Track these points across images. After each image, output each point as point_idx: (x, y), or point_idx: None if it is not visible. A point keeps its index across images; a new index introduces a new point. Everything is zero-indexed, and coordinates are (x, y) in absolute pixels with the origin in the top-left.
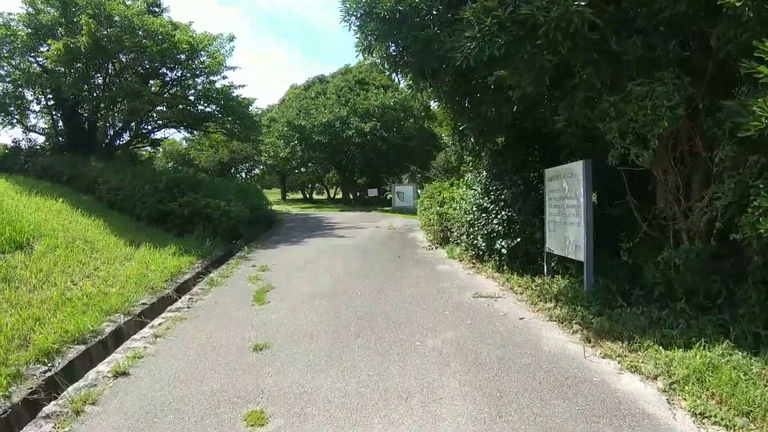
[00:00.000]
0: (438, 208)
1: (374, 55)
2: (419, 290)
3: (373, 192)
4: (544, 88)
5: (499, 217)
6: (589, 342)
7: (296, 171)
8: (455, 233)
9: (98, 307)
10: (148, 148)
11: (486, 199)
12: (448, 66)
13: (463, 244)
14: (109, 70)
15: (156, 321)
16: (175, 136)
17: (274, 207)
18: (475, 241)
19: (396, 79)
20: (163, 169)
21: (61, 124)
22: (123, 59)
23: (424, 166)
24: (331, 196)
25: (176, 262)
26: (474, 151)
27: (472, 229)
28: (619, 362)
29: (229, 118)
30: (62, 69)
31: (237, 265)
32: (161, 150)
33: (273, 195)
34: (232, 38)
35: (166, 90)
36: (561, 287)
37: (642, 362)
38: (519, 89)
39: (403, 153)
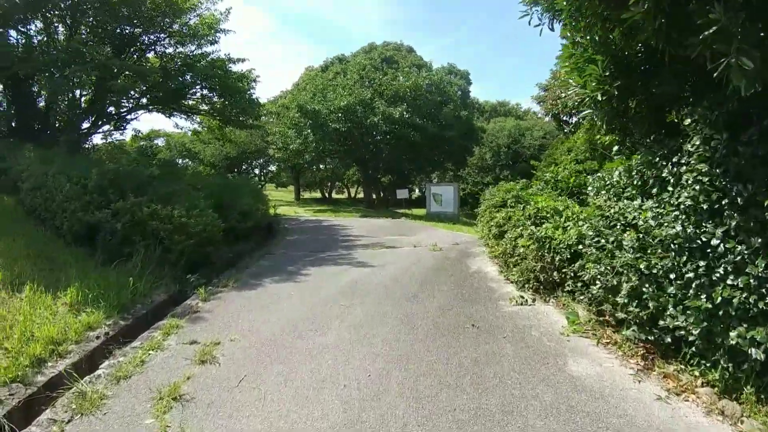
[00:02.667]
0: (532, 228)
1: None
2: None
3: (403, 193)
4: None
5: (750, 270)
6: None
7: (311, 167)
8: (583, 277)
9: None
10: (121, 137)
11: (707, 224)
12: None
13: (625, 317)
14: (59, 30)
15: None
16: (161, 123)
17: (284, 209)
18: (662, 318)
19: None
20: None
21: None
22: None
23: (460, 162)
24: (352, 195)
25: (59, 328)
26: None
27: (651, 288)
28: None
29: (218, 96)
30: None
31: (165, 339)
32: (161, 141)
33: (287, 194)
34: None
35: (133, 56)
36: None
37: None
38: None
39: (439, 145)
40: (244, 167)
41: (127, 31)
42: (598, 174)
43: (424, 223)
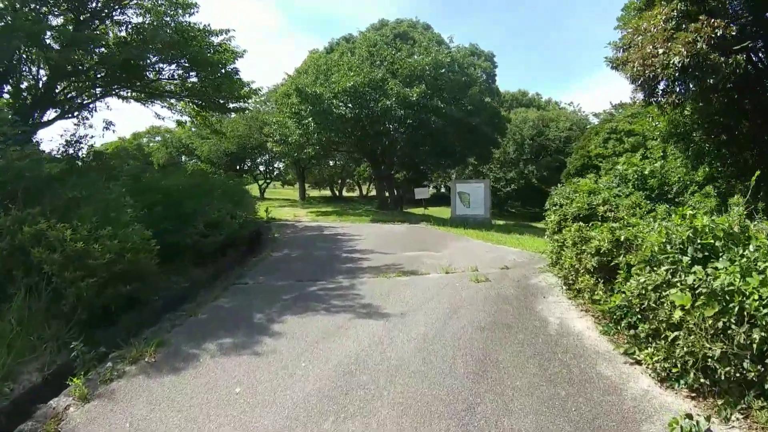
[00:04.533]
0: (699, 272)
1: None
2: None
3: (422, 192)
4: None
5: None
6: None
7: (314, 161)
8: None
9: None
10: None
11: None
12: None
13: None
14: None
15: None
16: (144, 116)
17: (285, 211)
18: None
19: None
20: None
21: None
22: None
23: (485, 155)
24: (364, 193)
25: None
26: None
27: None
28: None
29: (187, 72)
30: None
31: None
32: (160, 138)
33: (294, 193)
34: None
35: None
36: None
37: None
38: None
39: (464, 135)
40: (247, 164)
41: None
42: None
43: (450, 231)
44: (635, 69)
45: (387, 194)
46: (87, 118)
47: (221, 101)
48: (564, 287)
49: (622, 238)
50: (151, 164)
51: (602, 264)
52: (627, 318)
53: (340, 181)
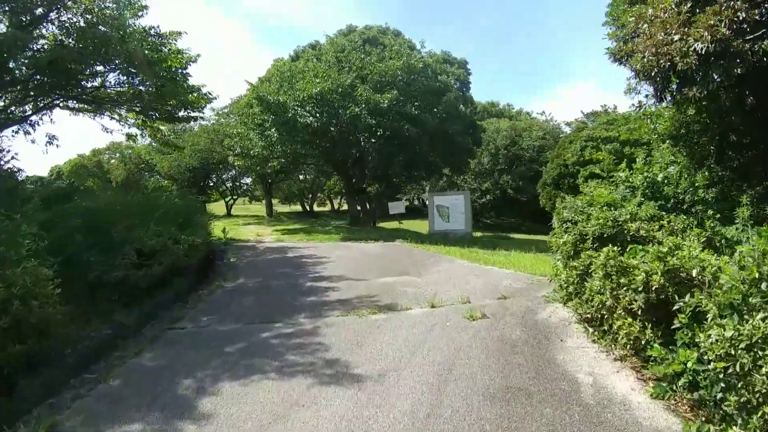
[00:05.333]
0: None
1: None
2: None
3: (397, 207)
4: None
5: None
6: None
7: (281, 176)
8: None
9: None
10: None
11: None
12: None
13: None
14: None
15: None
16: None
17: (249, 230)
18: None
19: None
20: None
21: None
22: None
23: (460, 167)
24: (336, 207)
25: None
26: None
27: None
28: None
29: (125, 75)
30: None
31: None
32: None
33: (263, 209)
34: None
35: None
36: None
37: None
38: None
39: (439, 144)
40: (212, 180)
41: None
42: None
43: (429, 249)
44: (645, 60)
45: (359, 208)
46: (28, 133)
47: (167, 108)
48: (584, 324)
49: (681, 269)
50: (109, 182)
51: (651, 303)
52: (686, 376)
53: (311, 196)
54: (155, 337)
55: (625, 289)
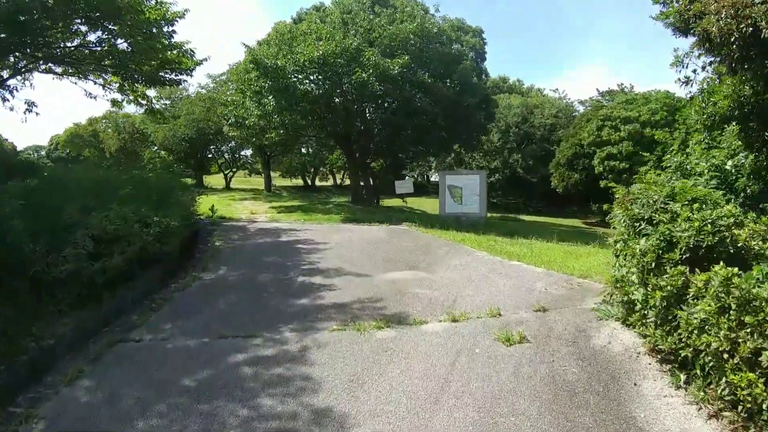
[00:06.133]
0: None
1: None
2: None
3: (404, 186)
4: None
5: None
6: None
7: (283, 150)
8: None
9: None
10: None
11: None
12: None
13: None
14: None
15: None
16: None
17: (243, 207)
18: None
19: None
20: None
21: None
22: None
23: (470, 143)
24: (339, 182)
25: None
26: None
27: None
28: None
29: (100, 30)
30: None
31: None
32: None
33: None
34: None
35: None
36: None
37: None
38: None
39: (454, 117)
40: (210, 152)
41: None
42: None
43: (441, 236)
44: (722, 23)
45: (362, 184)
46: (6, 100)
47: (147, 69)
48: (665, 363)
49: None
50: (103, 153)
51: None
52: None
53: (312, 170)
54: (99, 355)
55: (749, 331)
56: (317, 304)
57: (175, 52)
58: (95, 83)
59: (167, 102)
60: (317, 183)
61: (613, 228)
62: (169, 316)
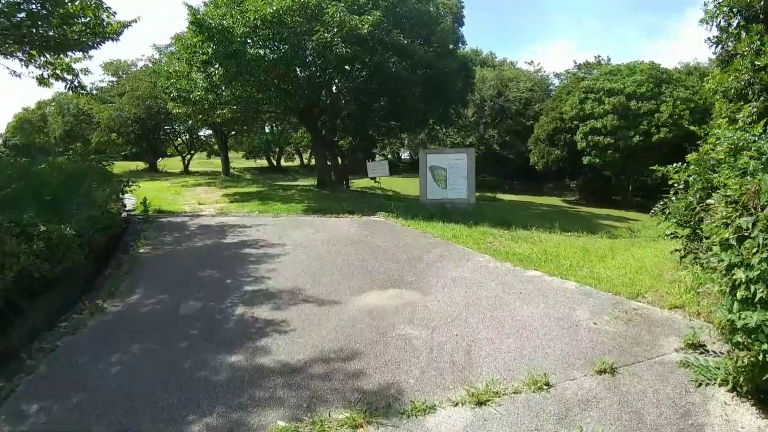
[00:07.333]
0: None
1: None
2: None
3: (377, 168)
4: None
5: None
6: None
7: (237, 127)
8: None
9: None
10: None
11: None
12: None
13: None
14: None
15: None
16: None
17: (192, 195)
18: None
19: None
20: None
21: None
22: None
23: (447, 117)
24: (305, 162)
25: None
26: None
27: None
28: None
29: None
30: None
31: None
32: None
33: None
34: None
35: None
36: None
37: None
38: None
39: (433, 86)
40: (166, 132)
41: None
42: None
43: (427, 230)
44: None
45: (329, 164)
46: None
47: (51, 31)
48: None
49: None
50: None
51: None
52: None
53: (277, 150)
54: None
55: None
56: (257, 366)
57: (77, 3)
58: (15, 58)
59: (114, 80)
60: (283, 163)
61: (705, 238)
62: (35, 387)
